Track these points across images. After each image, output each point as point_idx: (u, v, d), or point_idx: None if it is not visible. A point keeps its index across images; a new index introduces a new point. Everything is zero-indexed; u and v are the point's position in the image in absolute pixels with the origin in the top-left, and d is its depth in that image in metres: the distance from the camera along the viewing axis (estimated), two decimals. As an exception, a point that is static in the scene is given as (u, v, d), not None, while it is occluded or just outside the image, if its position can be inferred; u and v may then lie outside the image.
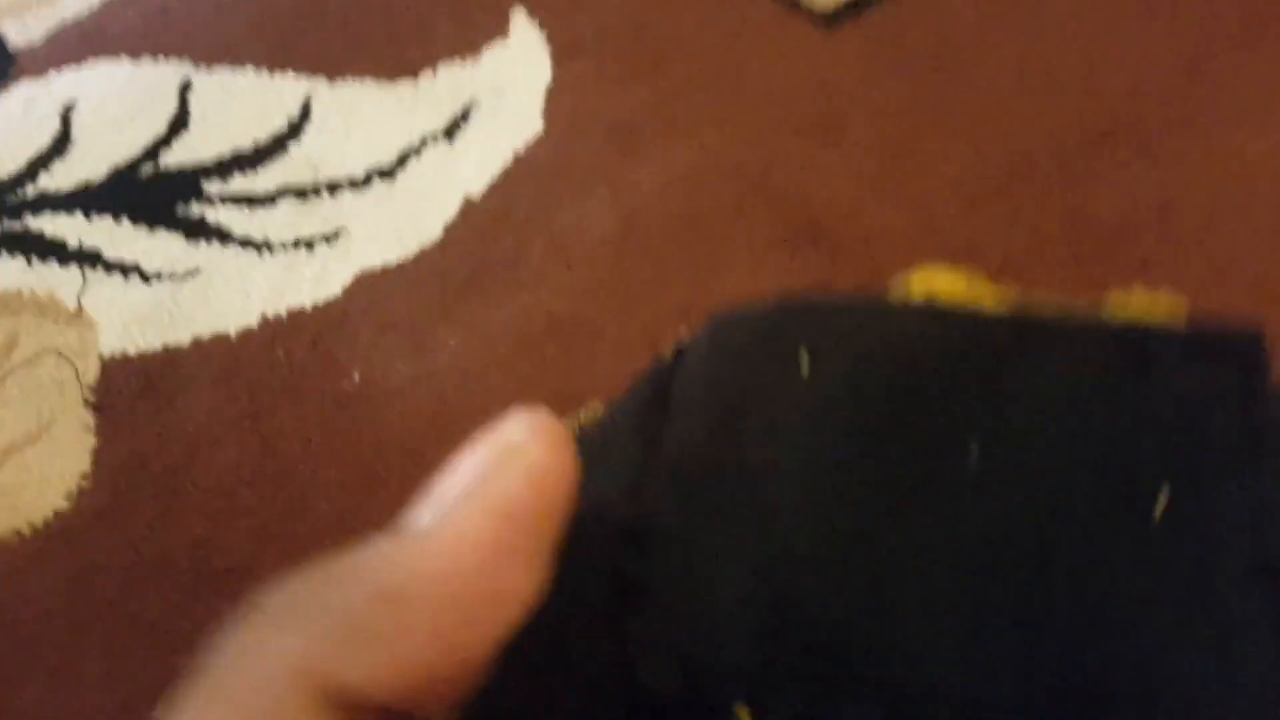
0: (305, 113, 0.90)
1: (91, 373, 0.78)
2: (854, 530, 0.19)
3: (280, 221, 0.84)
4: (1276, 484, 0.19)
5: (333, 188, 0.85)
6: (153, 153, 0.91)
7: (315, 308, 0.78)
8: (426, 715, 0.17)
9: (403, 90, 0.90)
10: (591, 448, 0.22)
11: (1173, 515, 0.18)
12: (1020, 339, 0.21)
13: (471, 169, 0.84)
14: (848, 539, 0.19)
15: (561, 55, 0.89)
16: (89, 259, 0.85)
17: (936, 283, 0.24)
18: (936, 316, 0.22)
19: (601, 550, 0.20)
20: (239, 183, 0.87)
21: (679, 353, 0.23)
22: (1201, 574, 0.18)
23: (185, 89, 0.95)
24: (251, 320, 0.78)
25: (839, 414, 0.20)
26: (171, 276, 0.82)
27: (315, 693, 0.16)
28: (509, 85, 0.89)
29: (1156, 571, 0.18)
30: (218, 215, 0.85)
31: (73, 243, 0.86)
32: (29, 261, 0.86)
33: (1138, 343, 0.21)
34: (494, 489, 0.18)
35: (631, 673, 0.18)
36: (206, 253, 0.83)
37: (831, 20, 0.86)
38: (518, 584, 0.18)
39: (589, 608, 0.19)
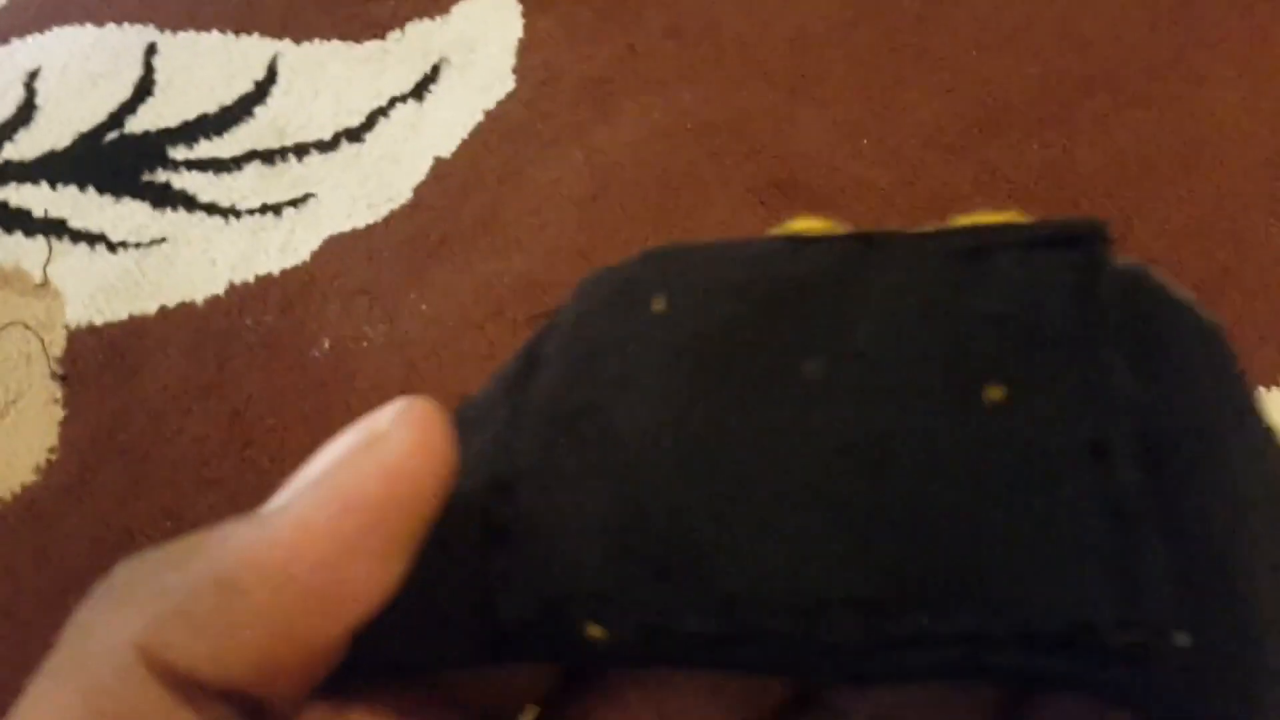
0: (271, 75, 0.89)
1: (58, 344, 0.77)
2: (697, 451, 0.19)
3: (247, 187, 0.82)
4: (1112, 366, 0.19)
5: (300, 151, 0.83)
6: (118, 119, 0.89)
7: (284, 274, 0.77)
8: (274, 699, 0.17)
9: (370, 50, 0.89)
10: (469, 417, 0.22)
11: (1006, 403, 0.18)
12: (866, 253, 0.21)
13: (441, 129, 0.82)
14: (691, 459, 0.19)
15: (532, 10, 0.88)
16: (54, 229, 0.83)
17: (799, 226, 0.24)
18: (788, 244, 0.22)
19: (470, 503, 0.20)
20: (205, 148, 0.85)
21: (552, 317, 0.24)
22: (1032, 457, 0.18)
23: (150, 53, 0.93)
24: (219, 288, 0.77)
25: (687, 346, 0.20)
26: (138, 245, 0.81)
27: (155, 670, 0.16)
28: (479, 42, 0.87)
29: (988, 458, 0.18)
30: (184, 182, 0.84)
31: (38, 212, 0.85)
32: (-6, 232, 0.84)
33: (975, 241, 0.21)
34: (345, 478, 0.17)
35: (494, 611, 0.19)
36: (173, 220, 0.82)
37: (805, -30, 0.84)
38: (365, 577, 0.17)
39: (457, 559, 0.19)
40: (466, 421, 0.22)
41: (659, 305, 0.21)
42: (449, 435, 0.18)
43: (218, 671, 0.16)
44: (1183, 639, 0.17)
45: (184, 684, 0.16)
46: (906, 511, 0.18)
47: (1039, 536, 0.17)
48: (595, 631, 0.18)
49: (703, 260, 0.22)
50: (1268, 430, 0.21)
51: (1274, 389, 0.62)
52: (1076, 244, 0.20)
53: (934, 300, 0.20)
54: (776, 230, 0.23)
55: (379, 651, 0.19)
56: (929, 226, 0.22)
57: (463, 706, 0.20)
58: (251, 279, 0.77)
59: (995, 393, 0.18)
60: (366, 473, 0.17)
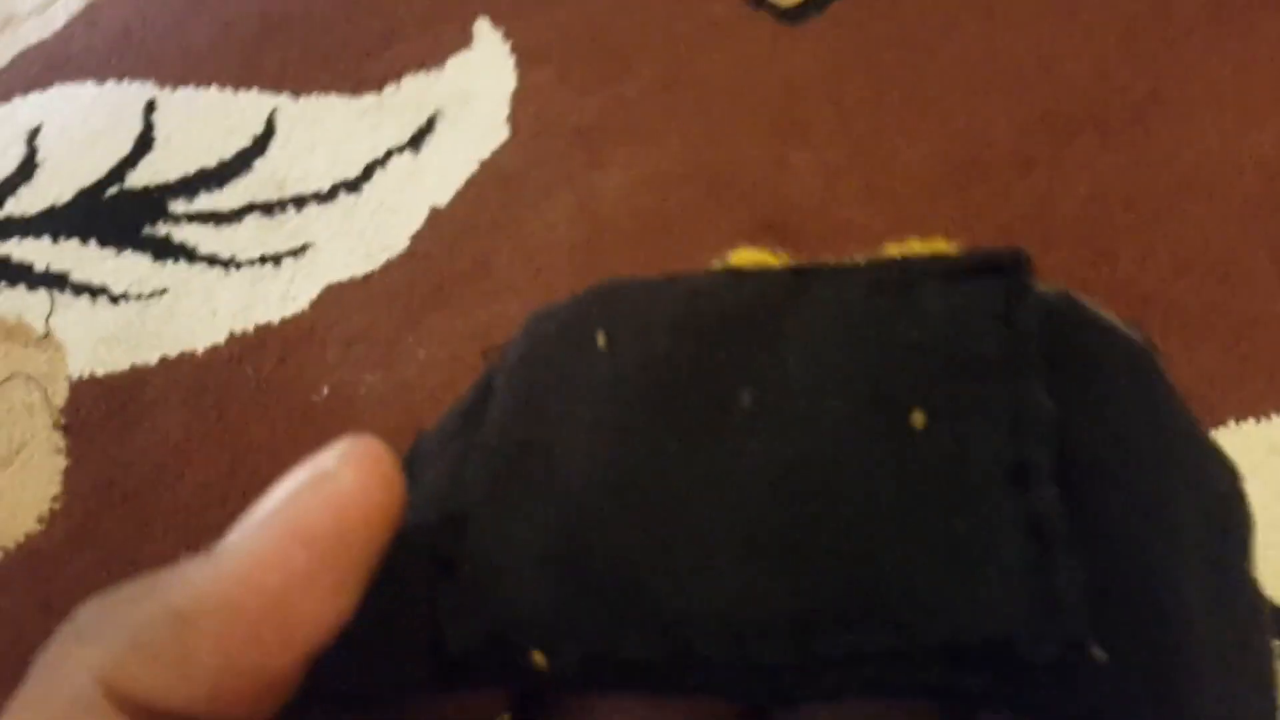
0: (270, 129, 0.90)
1: (61, 395, 0.78)
2: (635, 481, 0.20)
3: (246, 238, 0.83)
4: (1033, 389, 0.19)
5: (298, 203, 0.85)
6: (118, 174, 0.90)
7: (283, 323, 0.78)
8: None
9: (367, 103, 0.90)
10: (426, 450, 0.23)
11: (929, 428, 0.19)
12: (799, 284, 0.22)
13: (437, 179, 0.84)
14: (629, 490, 0.20)
15: (525, 62, 0.89)
16: (57, 282, 0.84)
17: (741, 258, 0.24)
18: (725, 277, 0.23)
19: (420, 537, 0.20)
20: (205, 201, 0.87)
21: (502, 353, 0.24)
22: (954, 480, 0.19)
23: (150, 109, 0.95)
24: (219, 337, 0.78)
25: (626, 380, 0.21)
26: (139, 297, 0.82)
27: (114, 702, 0.17)
28: (474, 94, 0.88)
29: (912, 482, 0.19)
30: (184, 234, 0.85)
31: (40, 266, 0.86)
32: (-4, 286, 0.85)
33: (902, 272, 0.22)
34: (293, 513, 0.18)
35: (443, 643, 0.19)
36: (173, 272, 0.83)
37: (794, 16, 0.86)
38: (314, 608, 0.18)
39: (408, 592, 0.20)
40: (423, 455, 0.23)
41: (600, 341, 0.22)
42: (394, 471, 0.19)
43: (173, 701, 0.17)
44: (1100, 653, 0.17)
45: (143, 714, 0.17)
46: (833, 535, 0.19)
47: (960, 556, 0.18)
48: (540, 659, 0.19)
49: (643, 296, 0.23)
50: (1204, 449, 0.22)
51: (1263, 420, 0.62)
52: (999, 273, 0.21)
53: (861, 330, 0.21)
54: (718, 263, 0.24)
55: (333, 682, 0.20)
56: (860, 257, 0.23)
57: None
58: (251, 328, 0.78)
59: (919, 418, 0.19)
60: (313, 508, 0.18)
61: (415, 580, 0.20)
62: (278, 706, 0.18)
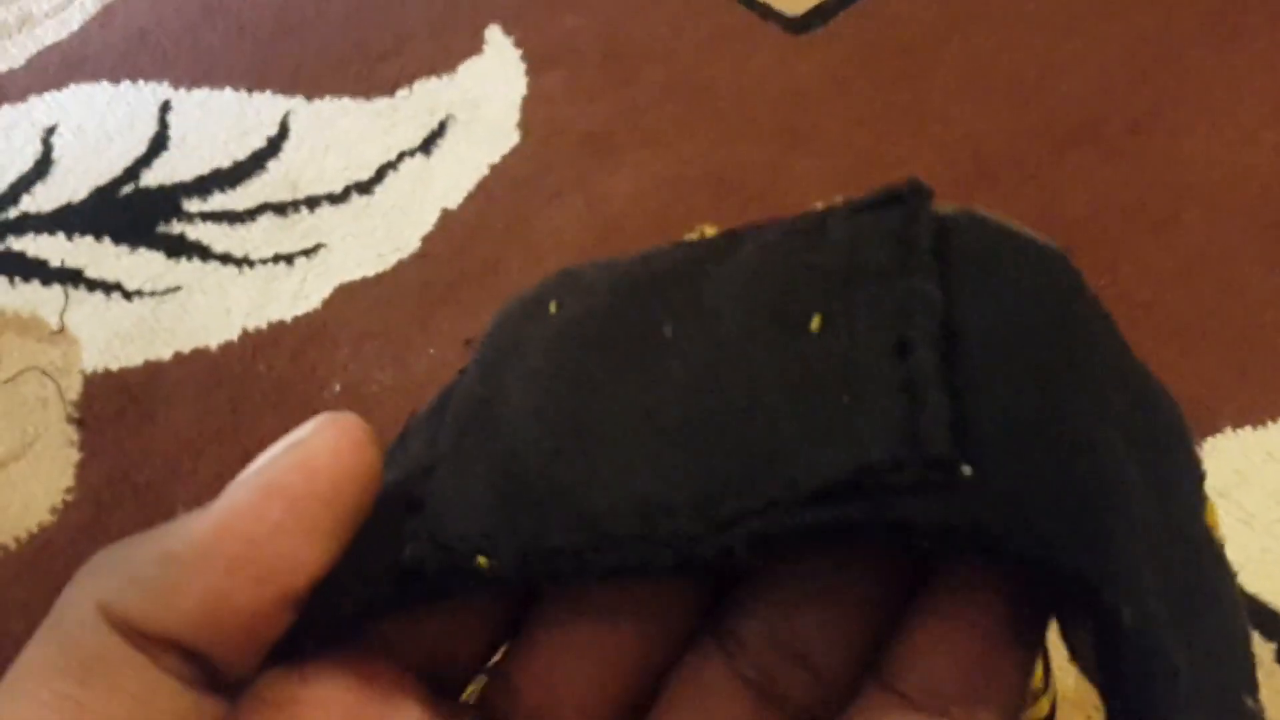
0: (283, 131, 0.91)
1: (74, 389, 0.79)
2: (565, 407, 0.22)
3: (260, 237, 0.85)
4: (922, 282, 0.21)
5: (311, 203, 0.86)
6: (133, 173, 0.92)
7: (296, 320, 0.79)
8: (223, 658, 0.21)
9: (380, 107, 0.91)
10: (413, 426, 0.25)
11: (824, 329, 0.21)
12: (729, 243, 0.24)
13: (448, 182, 0.85)
14: (560, 414, 0.22)
15: (536, 68, 0.91)
16: (71, 278, 0.85)
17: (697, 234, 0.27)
18: (670, 247, 0.25)
19: (396, 490, 0.23)
20: (219, 200, 0.88)
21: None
22: (842, 364, 0.20)
23: (165, 110, 0.96)
24: (232, 334, 0.79)
25: (565, 332, 0.23)
26: (153, 293, 0.83)
27: (113, 623, 0.20)
28: (484, 99, 0.90)
29: (803, 372, 0.21)
30: (198, 233, 0.86)
31: (55, 262, 0.87)
32: (11, 282, 0.86)
33: (815, 216, 0.23)
34: (269, 474, 0.21)
35: (404, 564, 0.22)
36: (187, 269, 0.84)
37: (801, 26, 0.87)
38: (289, 553, 0.20)
39: (382, 532, 0.22)
40: (411, 432, 0.25)
41: (552, 308, 0.24)
42: (364, 436, 0.21)
43: (162, 625, 0.20)
44: (966, 470, 0.19)
45: (136, 635, 0.20)
46: (731, 423, 0.21)
47: (837, 417, 0.20)
48: (482, 561, 0.21)
49: (596, 269, 0.25)
50: (1110, 336, 0.23)
51: (1260, 428, 0.63)
52: (899, 202, 0.23)
53: (772, 262, 0.23)
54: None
55: (311, 611, 0.22)
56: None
57: (415, 675, 0.23)
58: (264, 325, 0.79)
59: (815, 323, 0.21)
60: (287, 468, 0.21)
61: (388, 522, 0.22)
62: (266, 641, 0.21)
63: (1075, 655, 0.22)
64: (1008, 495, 0.19)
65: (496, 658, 0.24)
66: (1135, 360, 0.23)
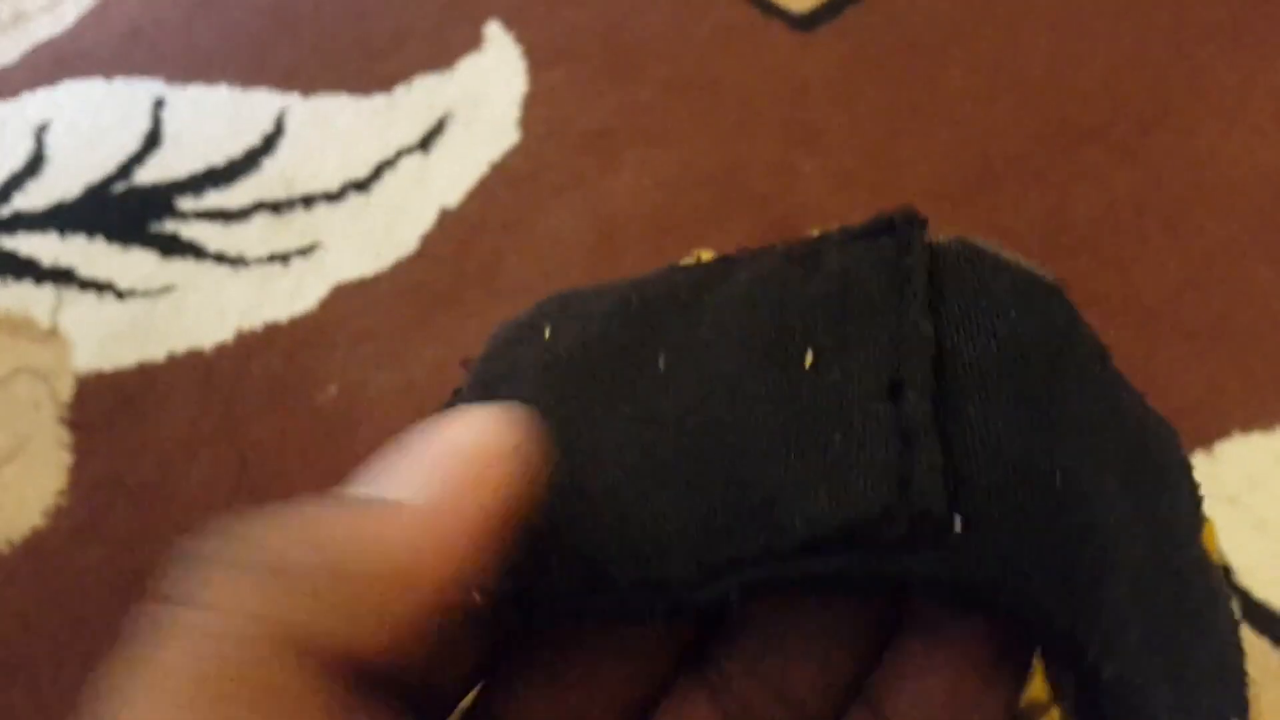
0: (279, 128, 0.90)
1: (66, 390, 0.78)
2: (561, 442, 0.21)
3: (255, 236, 0.83)
4: (914, 316, 0.21)
5: (307, 202, 0.85)
6: (126, 170, 0.90)
7: (291, 321, 0.78)
8: (405, 674, 0.18)
9: (377, 104, 0.90)
10: None
11: (818, 365, 0.21)
12: (724, 270, 0.24)
13: (447, 180, 0.84)
14: (556, 454, 0.21)
15: (536, 65, 0.89)
16: (63, 277, 0.84)
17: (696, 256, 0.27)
18: (666, 271, 0.25)
19: None
20: (213, 198, 0.87)
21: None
22: (835, 402, 0.20)
23: (158, 106, 0.95)
24: (227, 335, 0.78)
25: (561, 360, 0.23)
26: (146, 293, 0.82)
27: (297, 647, 0.17)
28: (484, 96, 0.88)
29: (797, 411, 0.20)
30: (192, 231, 0.85)
31: (46, 261, 0.86)
32: (2, 281, 0.85)
33: (810, 244, 0.23)
34: (447, 471, 0.18)
35: None
36: (181, 269, 0.83)
37: (806, 23, 0.86)
38: (480, 576, 0.19)
39: None
40: None
41: (546, 334, 0.24)
42: (545, 442, 0.20)
43: (359, 651, 0.17)
44: (958, 525, 0.19)
45: (322, 659, 0.17)
46: (725, 463, 0.20)
47: (830, 462, 0.20)
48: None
49: (591, 295, 0.25)
50: (1104, 373, 0.23)
51: (1270, 432, 0.63)
52: (892, 231, 0.23)
53: (767, 294, 0.23)
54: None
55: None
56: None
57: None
58: (260, 326, 0.78)
59: (809, 359, 0.21)
60: (481, 478, 0.18)
61: None
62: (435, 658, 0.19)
63: (1058, 696, 0.22)
64: (999, 551, 0.19)
65: (474, 694, 0.23)
66: (1131, 391, 0.24)
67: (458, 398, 0.25)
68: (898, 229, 0.23)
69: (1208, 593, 0.23)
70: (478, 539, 0.18)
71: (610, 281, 0.25)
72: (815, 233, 0.24)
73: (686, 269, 0.25)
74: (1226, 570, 0.24)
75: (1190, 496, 0.24)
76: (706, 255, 0.26)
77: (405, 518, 0.18)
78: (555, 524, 0.21)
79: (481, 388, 0.24)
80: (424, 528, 0.18)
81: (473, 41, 0.93)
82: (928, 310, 0.21)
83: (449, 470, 0.18)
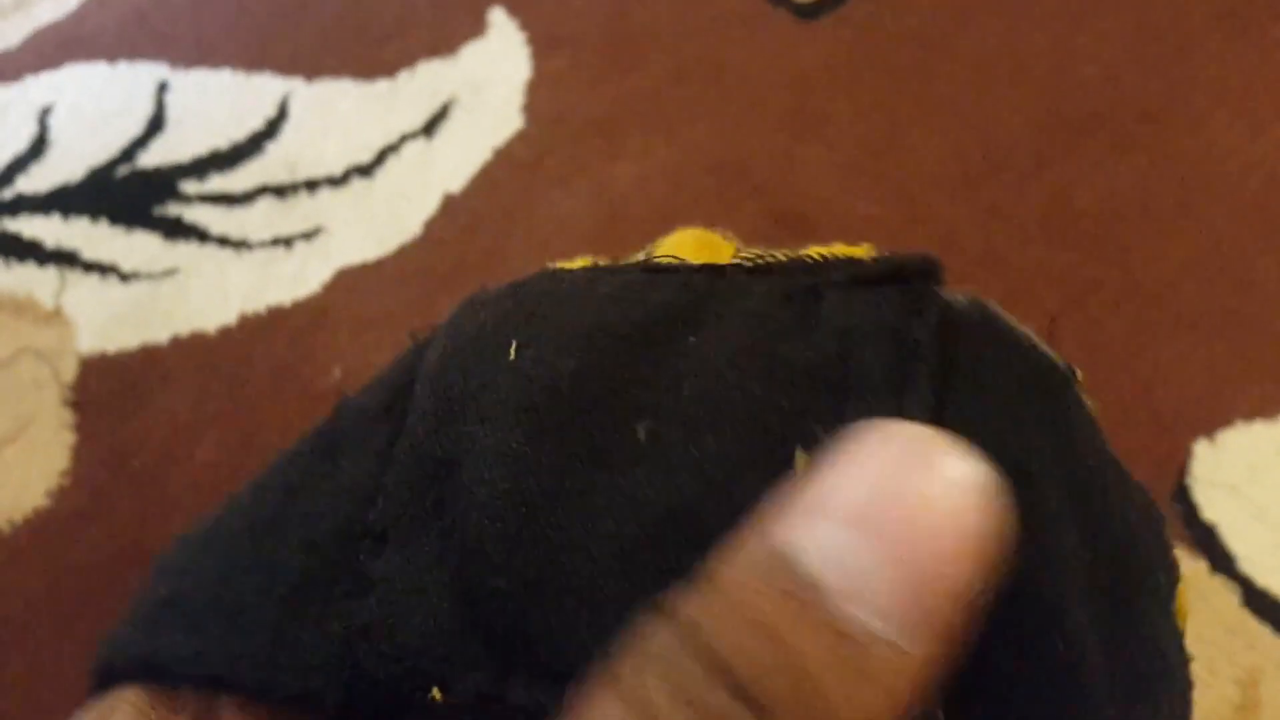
0: (283, 112, 0.90)
1: (70, 372, 0.78)
2: (528, 516, 0.20)
3: (258, 220, 0.83)
4: (916, 408, 0.19)
5: (311, 186, 0.85)
6: (129, 154, 0.90)
7: (295, 305, 0.78)
8: None
9: (381, 89, 0.90)
10: (346, 430, 0.24)
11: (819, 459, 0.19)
12: (712, 289, 0.22)
13: (451, 166, 0.84)
14: (522, 524, 0.20)
15: (540, 52, 0.89)
16: (66, 259, 0.84)
17: (675, 245, 0.25)
18: (643, 281, 0.23)
19: (344, 546, 0.21)
20: (216, 182, 0.87)
21: (428, 337, 0.25)
22: None
23: (162, 90, 0.95)
24: (230, 318, 0.78)
25: (532, 403, 0.21)
26: (149, 276, 0.82)
27: None
28: (488, 82, 0.88)
29: None
30: (195, 215, 0.85)
31: (50, 244, 0.86)
32: (6, 263, 0.85)
33: (811, 280, 0.22)
34: (934, 562, 0.14)
35: (354, 654, 0.20)
36: (184, 252, 0.83)
37: (810, 12, 0.86)
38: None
39: (329, 599, 0.21)
40: (344, 433, 0.23)
41: (511, 353, 0.22)
42: (1001, 497, 0.15)
43: None
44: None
45: None
46: (697, 561, 0.18)
47: None
48: (436, 694, 0.19)
49: (562, 299, 0.23)
50: (1111, 477, 0.22)
51: (1272, 421, 0.63)
52: (904, 281, 0.21)
53: (758, 352, 0.21)
54: (649, 248, 0.25)
55: (245, 672, 0.21)
56: (782, 252, 0.22)
57: None
58: (263, 309, 0.78)
59: (800, 460, 0.19)
60: (956, 560, 0.14)
61: (336, 587, 0.21)
62: None
63: None
64: (973, 685, 0.18)
65: None
66: (1119, 470, 0.22)
67: (415, 386, 0.23)
68: (909, 281, 0.21)
69: (1169, 669, 0.22)
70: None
71: (584, 280, 0.23)
72: (815, 254, 0.23)
73: (667, 283, 0.23)
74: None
75: (1168, 566, 0.23)
76: (689, 239, 0.25)
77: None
78: (521, 624, 0.19)
79: (445, 402, 0.22)
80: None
81: (476, 27, 0.93)
82: (931, 397, 0.19)
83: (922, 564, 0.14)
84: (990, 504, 0.14)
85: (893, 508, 0.14)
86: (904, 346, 0.20)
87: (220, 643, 0.21)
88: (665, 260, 0.23)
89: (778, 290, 0.22)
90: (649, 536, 0.19)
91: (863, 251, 0.23)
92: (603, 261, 0.26)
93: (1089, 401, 0.23)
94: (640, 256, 0.26)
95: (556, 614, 0.19)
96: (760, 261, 0.23)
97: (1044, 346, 0.22)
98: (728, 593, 0.15)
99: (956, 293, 0.21)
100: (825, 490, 0.15)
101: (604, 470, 0.20)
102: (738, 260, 0.23)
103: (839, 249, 0.23)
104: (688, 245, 0.26)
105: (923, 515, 0.14)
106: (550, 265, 0.28)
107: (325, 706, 0.21)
